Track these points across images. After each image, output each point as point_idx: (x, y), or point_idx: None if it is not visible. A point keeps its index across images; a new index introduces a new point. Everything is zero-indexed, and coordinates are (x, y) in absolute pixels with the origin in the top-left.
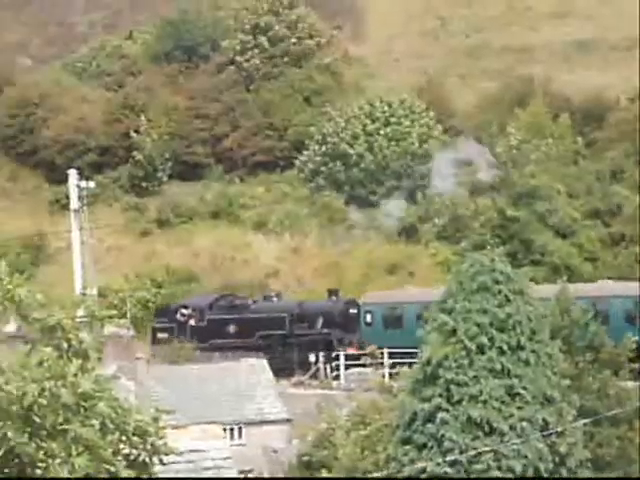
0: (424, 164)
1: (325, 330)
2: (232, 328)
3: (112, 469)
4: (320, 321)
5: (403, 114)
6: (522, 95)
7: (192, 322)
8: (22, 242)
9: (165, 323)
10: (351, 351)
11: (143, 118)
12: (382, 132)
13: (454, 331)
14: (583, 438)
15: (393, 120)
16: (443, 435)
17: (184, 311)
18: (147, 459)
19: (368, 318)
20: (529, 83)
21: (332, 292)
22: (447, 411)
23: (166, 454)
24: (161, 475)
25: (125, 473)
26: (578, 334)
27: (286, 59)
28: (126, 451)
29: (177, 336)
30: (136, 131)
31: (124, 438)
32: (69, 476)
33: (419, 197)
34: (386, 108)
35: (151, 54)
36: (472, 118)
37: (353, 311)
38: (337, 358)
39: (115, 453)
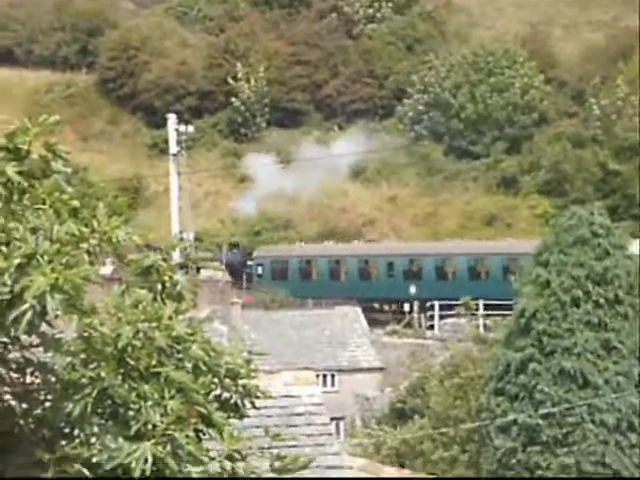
0: (526, 115)
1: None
2: None
3: (204, 411)
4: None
5: (506, 64)
6: (626, 47)
7: None
8: (121, 185)
9: None
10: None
11: (239, 65)
12: (485, 82)
13: (548, 283)
14: None
15: (496, 70)
16: (535, 386)
17: None
18: (239, 401)
19: (259, 270)
20: (634, 35)
21: (233, 245)
22: (539, 362)
23: (258, 397)
24: (254, 418)
25: (217, 415)
26: None
27: (389, 5)
28: (218, 393)
29: None
30: (235, 77)
31: (216, 380)
32: (162, 419)
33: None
34: (490, 58)
35: None
36: (575, 69)
37: (250, 263)
38: (432, 308)
39: (207, 395)
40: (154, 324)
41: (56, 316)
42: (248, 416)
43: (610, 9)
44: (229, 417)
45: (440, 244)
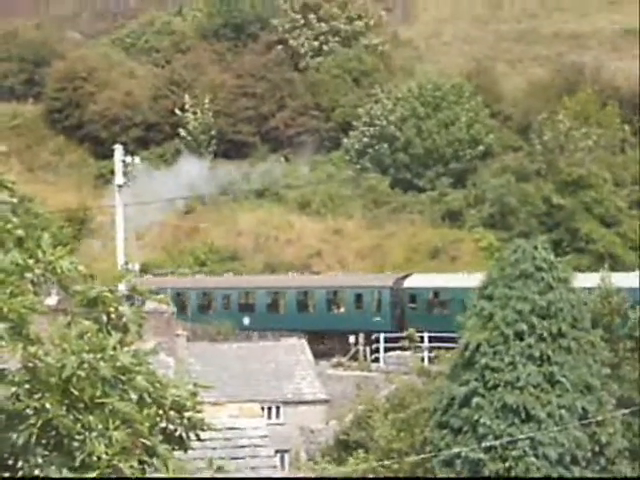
0: (472, 148)
1: None
2: None
3: (149, 443)
4: None
5: (453, 99)
6: (571, 82)
7: None
8: (66, 215)
9: None
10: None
11: (187, 96)
12: (432, 117)
13: (492, 317)
14: (622, 428)
15: (444, 105)
16: (477, 420)
17: None
18: (184, 434)
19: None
20: (578, 71)
21: None
22: (483, 396)
23: (203, 430)
24: (198, 451)
25: (162, 447)
26: (619, 323)
27: (335, 39)
28: (163, 425)
29: None
30: (182, 108)
31: (161, 412)
32: (107, 450)
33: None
34: (437, 92)
35: (200, 31)
36: (520, 104)
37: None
38: (377, 341)
39: (152, 427)
40: (99, 355)
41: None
42: (193, 448)
43: (554, 45)
44: (174, 449)
45: (271, 278)
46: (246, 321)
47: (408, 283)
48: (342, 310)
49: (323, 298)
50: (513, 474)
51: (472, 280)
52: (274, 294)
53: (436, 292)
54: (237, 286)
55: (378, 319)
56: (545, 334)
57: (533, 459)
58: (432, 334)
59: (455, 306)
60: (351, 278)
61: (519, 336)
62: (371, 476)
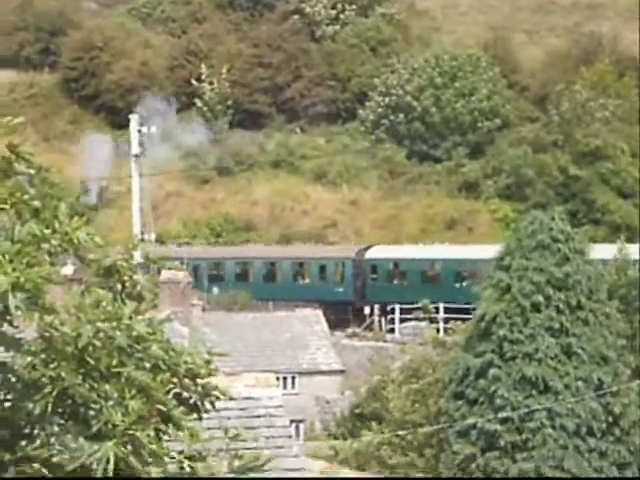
0: (490, 120)
1: None
2: None
3: (164, 409)
4: None
5: (470, 69)
6: (588, 53)
7: None
8: (82, 185)
9: None
10: None
11: (203, 66)
12: (450, 86)
13: (509, 288)
14: (637, 399)
15: (460, 75)
16: (495, 391)
17: None
18: (198, 401)
19: None
20: (596, 41)
21: None
22: (499, 368)
23: (217, 398)
24: (213, 419)
25: (177, 411)
26: (635, 294)
27: (352, 8)
28: (177, 391)
29: None
30: (198, 79)
31: (175, 380)
32: (123, 419)
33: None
34: (453, 62)
35: (216, 1)
36: (537, 74)
37: None
38: (393, 311)
39: (166, 394)
40: (114, 324)
41: (18, 315)
42: (208, 413)
43: (572, 15)
44: (188, 416)
45: (241, 249)
46: (215, 290)
47: (370, 254)
48: (307, 281)
49: (289, 269)
50: (530, 445)
51: (432, 251)
52: (242, 264)
53: (396, 263)
54: (207, 257)
55: (340, 289)
56: (562, 306)
57: (550, 430)
58: (446, 305)
59: (414, 277)
60: (316, 249)
61: (536, 308)
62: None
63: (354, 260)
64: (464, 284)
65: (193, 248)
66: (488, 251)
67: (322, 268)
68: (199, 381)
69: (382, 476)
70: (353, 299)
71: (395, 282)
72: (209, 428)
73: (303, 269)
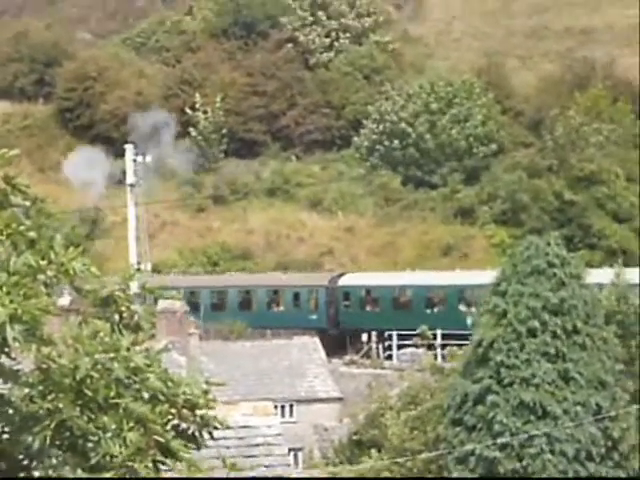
0: (485, 145)
1: None
2: None
3: (162, 441)
4: None
5: (464, 95)
6: (582, 78)
7: None
8: (78, 216)
9: None
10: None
11: (198, 95)
12: (446, 112)
13: (505, 314)
14: (636, 423)
15: (456, 101)
16: (493, 417)
17: None
18: (197, 432)
19: None
20: (590, 66)
21: None
22: (497, 394)
23: (216, 428)
24: (212, 450)
25: (176, 443)
26: (633, 319)
27: (346, 35)
28: (175, 423)
29: None
30: (192, 107)
31: (173, 411)
32: (121, 450)
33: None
34: (448, 88)
35: (210, 30)
36: (531, 100)
37: None
38: (390, 338)
39: (165, 425)
40: (112, 355)
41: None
42: (207, 446)
43: (565, 40)
44: (187, 447)
45: (216, 278)
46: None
47: (342, 282)
48: (282, 308)
49: (264, 297)
50: (530, 471)
51: (404, 278)
52: (219, 293)
53: (368, 290)
54: (184, 285)
55: (314, 317)
56: (559, 331)
57: (549, 456)
58: (444, 331)
59: (386, 304)
60: (290, 277)
61: (532, 333)
62: (385, 475)
63: (327, 288)
64: (434, 310)
65: (169, 277)
66: (458, 277)
67: (296, 296)
68: (197, 412)
69: (382, 476)
70: (326, 326)
71: (367, 309)
72: (207, 458)
73: (277, 297)
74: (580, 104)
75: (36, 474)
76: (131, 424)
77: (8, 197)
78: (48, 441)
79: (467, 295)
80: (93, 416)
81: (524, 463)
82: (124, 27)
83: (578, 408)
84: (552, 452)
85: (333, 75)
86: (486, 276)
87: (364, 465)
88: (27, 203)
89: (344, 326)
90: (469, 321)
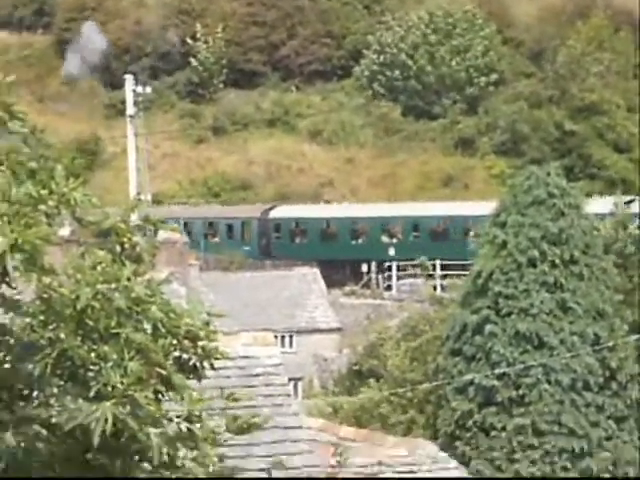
0: (485, 76)
1: None
2: None
3: (164, 372)
4: None
5: (465, 26)
6: (583, 7)
7: None
8: (78, 146)
9: None
10: None
11: (198, 25)
12: (445, 44)
13: (505, 244)
14: (634, 353)
15: (456, 32)
16: (491, 347)
17: None
18: (198, 363)
19: None
20: None
21: None
22: (495, 324)
23: (217, 358)
24: (212, 380)
25: (177, 376)
26: (632, 248)
27: None
28: (177, 354)
29: None
30: (192, 37)
31: (175, 342)
32: (122, 380)
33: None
34: (449, 19)
35: None
36: (532, 30)
37: None
38: (390, 269)
39: (166, 356)
40: (113, 285)
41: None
42: (207, 377)
43: None
44: (188, 378)
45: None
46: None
47: (273, 214)
48: (217, 239)
49: (200, 228)
50: (527, 401)
51: (332, 210)
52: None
53: (297, 222)
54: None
55: (247, 248)
56: (557, 261)
57: (546, 385)
58: (444, 262)
59: (314, 235)
60: (224, 209)
61: (532, 263)
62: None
63: (259, 219)
64: (359, 241)
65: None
66: (383, 209)
67: (229, 227)
68: (199, 343)
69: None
70: (259, 257)
71: (297, 241)
72: (208, 388)
73: (213, 228)
74: (582, 34)
75: (36, 402)
76: (132, 354)
77: (6, 125)
78: (49, 370)
79: (390, 227)
80: (94, 346)
81: (521, 392)
82: None
83: (575, 338)
84: (548, 382)
85: (333, 5)
86: (407, 208)
87: (364, 395)
88: (26, 130)
89: (276, 257)
90: (391, 252)
